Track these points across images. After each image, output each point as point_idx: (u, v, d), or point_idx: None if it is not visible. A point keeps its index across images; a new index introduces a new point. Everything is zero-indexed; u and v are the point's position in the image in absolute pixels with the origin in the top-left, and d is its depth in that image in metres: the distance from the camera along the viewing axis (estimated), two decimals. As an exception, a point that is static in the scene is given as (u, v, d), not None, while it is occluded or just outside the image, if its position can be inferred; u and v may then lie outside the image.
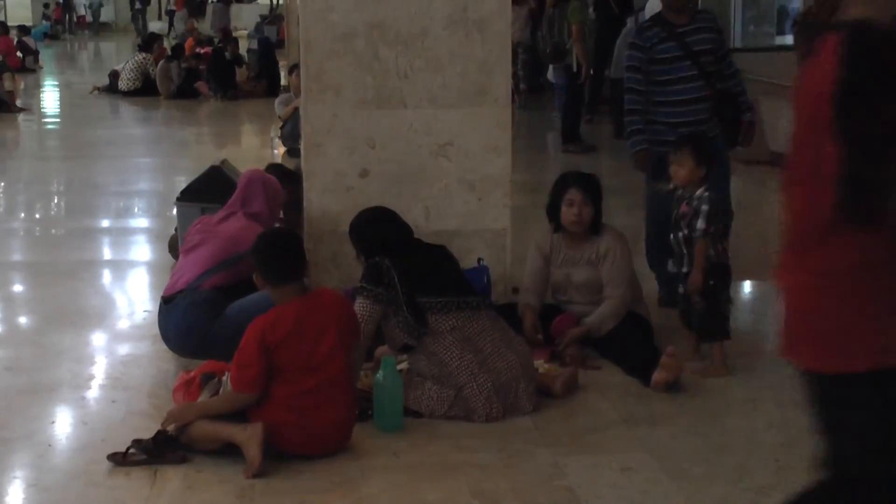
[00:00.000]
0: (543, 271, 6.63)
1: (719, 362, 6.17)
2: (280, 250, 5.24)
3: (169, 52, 22.75)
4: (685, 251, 6.22)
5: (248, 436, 4.91)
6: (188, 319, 6.06)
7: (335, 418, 5.08)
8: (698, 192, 6.18)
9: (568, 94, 14.80)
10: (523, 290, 6.68)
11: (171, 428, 5.10)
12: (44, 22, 44.00)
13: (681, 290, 6.36)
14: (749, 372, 6.22)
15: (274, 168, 7.77)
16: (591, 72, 16.37)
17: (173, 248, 7.65)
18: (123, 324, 7.38)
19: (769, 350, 6.81)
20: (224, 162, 7.82)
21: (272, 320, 5.04)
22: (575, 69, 14.48)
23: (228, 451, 4.99)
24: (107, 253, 9.78)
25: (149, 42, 23.82)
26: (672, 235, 6.32)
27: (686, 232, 6.20)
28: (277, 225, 6.66)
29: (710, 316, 6.20)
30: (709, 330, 6.25)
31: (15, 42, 28.83)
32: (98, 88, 22.91)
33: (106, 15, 49.17)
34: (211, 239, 6.26)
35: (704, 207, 6.13)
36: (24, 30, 32.26)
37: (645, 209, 7.62)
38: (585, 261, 6.52)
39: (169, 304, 6.20)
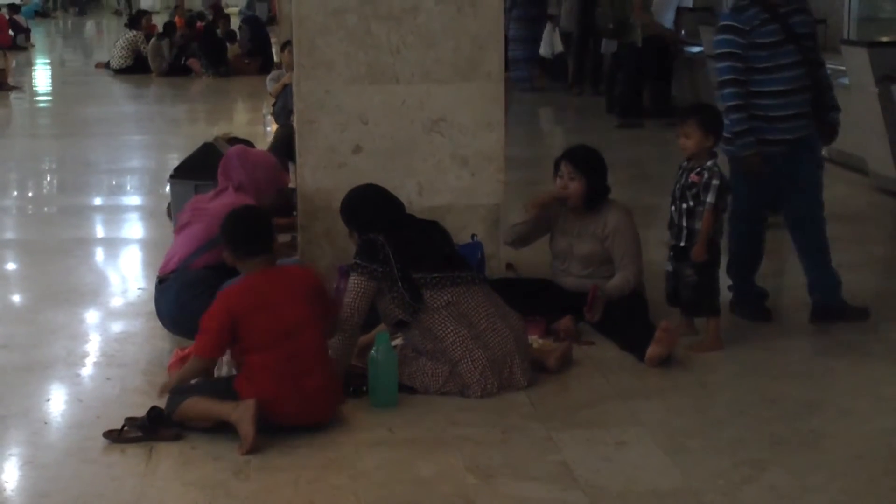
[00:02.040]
0: (541, 222, 6.73)
1: (713, 337, 6.18)
2: (244, 224, 5.37)
3: (160, 30, 22.70)
4: (685, 224, 6.19)
5: (241, 413, 4.92)
6: (181, 299, 6.05)
7: (321, 384, 5.12)
8: (709, 163, 6.15)
9: (630, 69, 14.72)
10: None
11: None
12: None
13: (669, 267, 6.35)
14: (743, 346, 6.23)
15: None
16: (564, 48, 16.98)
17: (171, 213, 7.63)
18: (117, 301, 7.38)
19: (764, 324, 6.84)
20: (217, 139, 7.80)
21: (239, 290, 5.19)
22: (640, 45, 14.40)
23: (223, 428, 5.00)
24: (100, 230, 9.78)
25: (136, 19, 23.75)
26: (673, 207, 6.28)
27: (691, 204, 6.15)
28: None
29: (701, 291, 6.19)
30: (698, 305, 6.25)
31: (7, 20, 28.71)
32: (104, 65, 22.92)
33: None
34: (200, 217, 6.25)
35: (715, 182, 6.08)
36: (14, 8, 32.15)
37: (729, 225, 6.63)
38: (590, 234, 6.55)
39: (163, 285, 6.20)
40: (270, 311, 5.10)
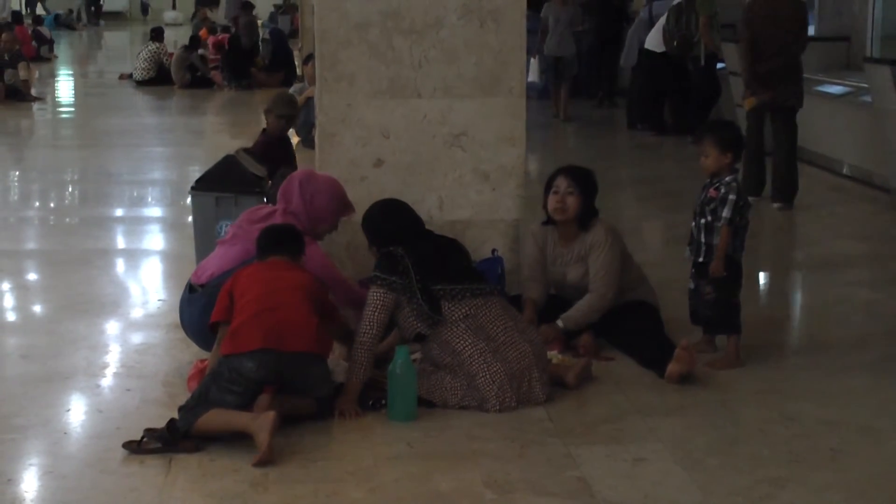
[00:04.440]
0: (541, 261, 6.61)
1: (733, 354, 6.16)
2: (273, 232, 5.78)
3: (185, 42, 22.81)
4: (703, 240, 6.18)
5: (260, 423, 4.94)
6: (204, 319, 6.02)
7: (295, 318, 5.32)
8: (727, 178, 6.14)
9: (700, 86, 14.67)
10: (524, 280, 6.66)
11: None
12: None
13: (691, 285, 6.33)
14: (762, 364, 6.21)
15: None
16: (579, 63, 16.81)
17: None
18: (138, 312, 7.39)
19: (783, 342, 6.83)
20: (238, 151, 7.82)
21: (244, 268, 5.63)
22: (703, 62, 14.38)
23: (241, 438, 5.02)
24: (121, 242, 9.80)
25: (160, 32, 23.83)
26: (693, 222, 6.27)
27: (709, 219, 6.14)
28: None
29: (720, 308, 6.18)
30: (718, 323, 6.23)
31: (30, 31, 28.83)
32: (127, 77, 23.08)
33: (119, 4, 49.23)
34: (242, 239, 6.19)
35: (731, 197, 6.07)
36: (37, 19, 32.33)
37: None
38: (576, 258, 6.48)
39: (192, 294, 6.15)
40: (256, 274, 5.53)
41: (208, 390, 5.19)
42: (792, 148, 10.34)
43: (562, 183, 6.43)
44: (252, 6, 25.68)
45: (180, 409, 5.20)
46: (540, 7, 16.79)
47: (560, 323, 6.33)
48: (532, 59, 16.47)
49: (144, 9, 48.41)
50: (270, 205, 6.45)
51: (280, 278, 5.48)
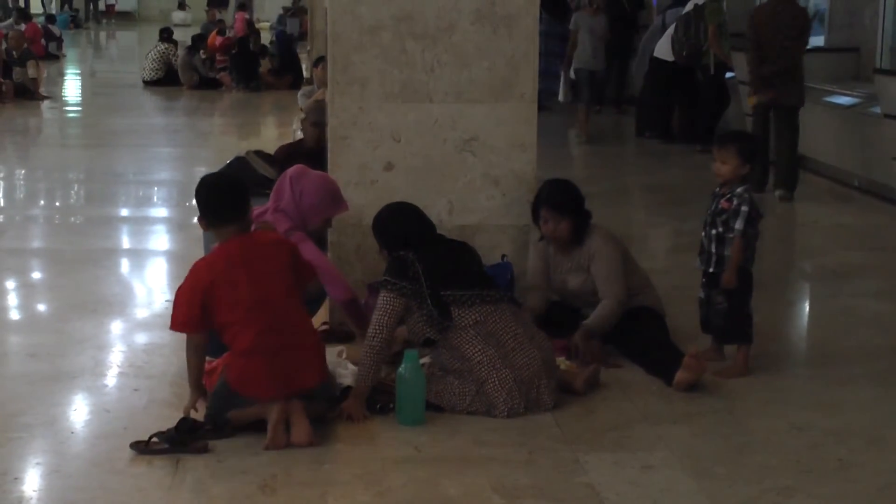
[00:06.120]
0: (545, 271, 6.62)
1: (741, 363, 6.15)
2: (216, 193, 5.42)
3: (189, 43, 22.82)
4: (714, 250, 6.18)
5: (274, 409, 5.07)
6: None
7: (304, 356, 5.23)
8: (739, 189, 6.14)
9: (709, 95, 14.54)
10: (528, 289, 6.66)
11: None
12: (65, 9, 44.14)
13: (701, 294, 6.32)
14: (771, 373, 6.20)
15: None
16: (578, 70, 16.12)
17: None
18: (145, 312, 7.39)
19: (791, 352, 6.82)
20: (249, 153, 7.83)
21: (207, 263, 5.31)
22: (712, 71, 14.31)
23: (246, 441, 5.07)
24: (127, 241, 9.81)
25: (169, 32, 23.83)
26: (703, 232, 6.26)
27: (721, 230, 6.14)
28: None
29: (731, 318, 6.17)
30: (729, 332, 6.23)
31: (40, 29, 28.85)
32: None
33: (128, 4, 49.28)
34: None
35: (744, 208, 6.07)
36: (50, 18, 32.39)
37: None
38: (576, 266, 6.48)
39: None
40: (239, 283, 5.18)
41: (220, 413, 5.24)
42: (793, 143, 11.14)
43: (547, 215, 6.43)
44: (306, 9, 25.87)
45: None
46: (557, 13, 16.54)
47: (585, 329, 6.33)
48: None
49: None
50: (263, 205, 6.44)
51: (258, 276, 5.21)
